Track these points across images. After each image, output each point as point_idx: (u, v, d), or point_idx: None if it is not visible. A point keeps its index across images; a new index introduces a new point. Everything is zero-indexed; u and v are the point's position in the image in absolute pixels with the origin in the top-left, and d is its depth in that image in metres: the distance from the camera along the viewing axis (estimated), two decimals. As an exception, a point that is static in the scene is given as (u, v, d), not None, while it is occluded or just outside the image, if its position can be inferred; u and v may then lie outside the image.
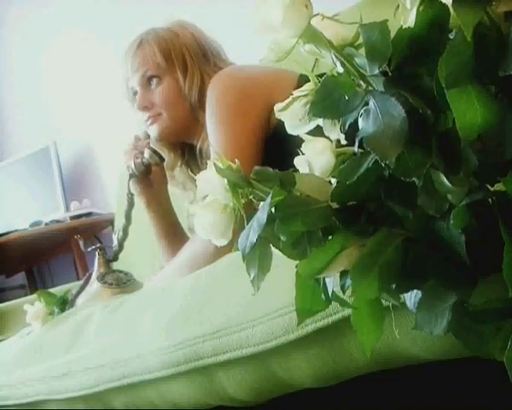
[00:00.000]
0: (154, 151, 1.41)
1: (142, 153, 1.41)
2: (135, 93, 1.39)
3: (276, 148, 1.11)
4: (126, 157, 1.44)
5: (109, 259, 1.47)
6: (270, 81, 1.24)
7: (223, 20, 2.20)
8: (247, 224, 0.48)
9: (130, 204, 1.46)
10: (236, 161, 0.51)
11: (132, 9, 2.80)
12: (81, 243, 1.52)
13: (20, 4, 3.45)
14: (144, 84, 1.36)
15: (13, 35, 3.56)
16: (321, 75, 0.49)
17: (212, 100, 1.23)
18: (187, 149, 1.46)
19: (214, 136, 1.21)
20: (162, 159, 1.42)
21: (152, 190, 1.47)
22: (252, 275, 0.49)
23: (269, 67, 1.28)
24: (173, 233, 1.50)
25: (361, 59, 0.45)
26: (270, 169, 0.49)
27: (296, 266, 0.47)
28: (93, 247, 1.50)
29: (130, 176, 1.43)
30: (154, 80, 1.35)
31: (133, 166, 1.42)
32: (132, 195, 1.45)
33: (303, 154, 0.51)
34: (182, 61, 1.34)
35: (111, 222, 2.56)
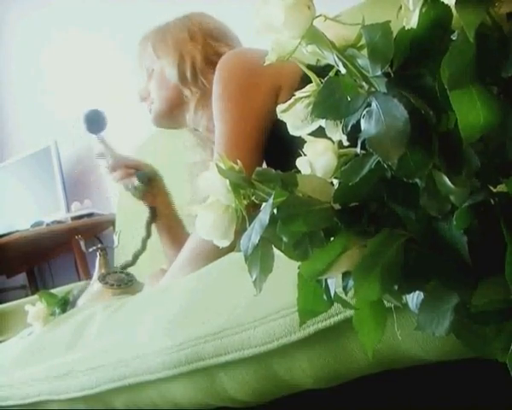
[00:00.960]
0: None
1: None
2: None
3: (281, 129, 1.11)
4: (119, 176, 1.46)
5: (124, 265, 1.46)
6: (278, 64, 1.24)
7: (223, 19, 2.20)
8: (249, 225, 0.48)
9: (153, 216, 1.46)
10: (239, 162, 0.51)
11: (133, 9, 2.79)
12: (82, 243, 1.52)
13: (20, 4, 3.45)
14: (148, 77, 1.43)
15: (13, 35, 3.56)
16: (325, 67, 0.49)
17: (220, 79, 1.23)
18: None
19: (220, 116, 1.21)
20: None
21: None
22: (254, 276, 0.49)
23: None
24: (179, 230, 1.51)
25: (363, 60, 0.45)
26: (273, 170, 0.49)
27: (298, 267, 0.47)
28: (94, 247, 1.50)
29: (143, 182, 1.44)
30: (150, 70, 1.42)
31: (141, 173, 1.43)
32: (154, 208, 1.46)
33: (305, 155, 0.51)
34: (166, 48, 1.38)
35: (112, 223, 2.56)
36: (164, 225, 1.49)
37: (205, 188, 0.52)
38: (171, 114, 1.41)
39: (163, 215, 1.48)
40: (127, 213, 1.96)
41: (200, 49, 1.35)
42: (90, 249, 1.52)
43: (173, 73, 1.36)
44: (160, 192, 1.49)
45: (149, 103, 1.43)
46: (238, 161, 0.52)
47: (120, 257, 1.78)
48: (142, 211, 1.50)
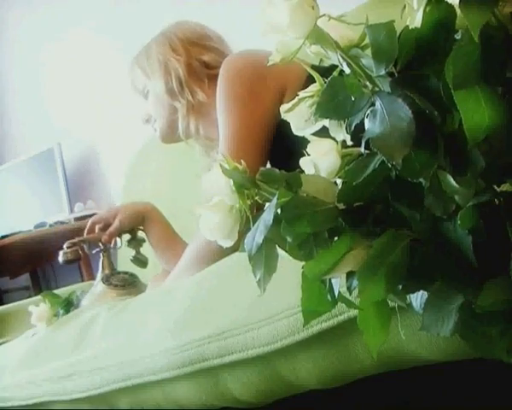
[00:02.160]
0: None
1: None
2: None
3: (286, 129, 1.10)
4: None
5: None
6: (283, 65, 1.23)
7: (227, 19, 2.20)
8: (253, 225, 0.48)
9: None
10: (243, 162, 0.51)
11: (137, 9, 2.80)
12: (85, 245, 1.52)
13: (22, 5, 3.46)
14: (145, 99, 1.44)
15: (16, 36, 3.56)
16: (330, 67, 0.49)
17: (225, 80, 1.22)
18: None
19: (225, 117, 1.21)
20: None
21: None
22: (258, 276, 0.49)
23: None
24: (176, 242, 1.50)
25: (367, 60, 0.45)
26: (277, 170, 0.49)
27: (302, 267, 0.47)
28: (97, 249, 1.50)
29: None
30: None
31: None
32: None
33: (309, 155, 0.51)
34: (153, 66, 1.39)
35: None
36: (161, 248, 1.49)
37: (209, 189, 0.52)
38: (174, 130, 1.41)
39: (160, 240, 1.48)
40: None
41: (183, 60, 1.36)
42: (94, 251, 1.52)
43: (162, 89, 1.37)
44: (151, 227, 1.49)
45: (153, 123, 1.44)
46: (242, 162, 0.52)
47: (124, 258, 1.78)
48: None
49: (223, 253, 0.89)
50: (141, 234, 1.51)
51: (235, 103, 1.20)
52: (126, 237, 1.50)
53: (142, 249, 1.51)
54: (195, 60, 1.36)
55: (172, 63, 1.36)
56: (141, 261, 1.50)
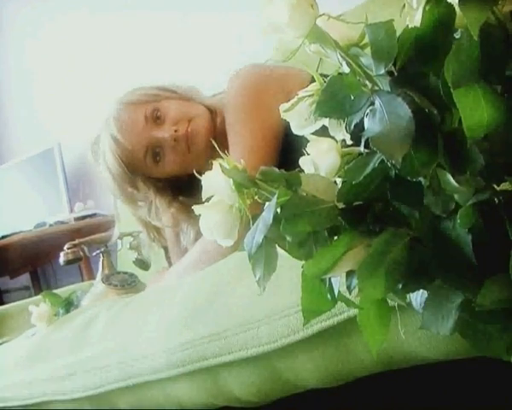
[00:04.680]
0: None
1: None
2: (151, 148, 1.29)
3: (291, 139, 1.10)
4: None
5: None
6: (284, 74, 1.24)
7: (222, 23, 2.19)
8: (253, 224, 0.48)
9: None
10: (242, 161, 0.51)
11: (138, 9, 2.80)
12: (86, 248, 1.53)
13: (19, 4, 3.45)
14: (152, 121, 1.30)
15: (15, 35, 3.56)
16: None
17: (233, 94, 1.23)
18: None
19: (236, 130, 1.21)
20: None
21: None
22: (258, 275, 0.49)
23: (280, 65, 1.28)
24: None
25: (367, 59, 0.45)
26: (276, 169, 0.49)
27: (302, 267, 0.47)
28: (97, 251, 1.51)
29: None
30: (156, 112, 1.30)
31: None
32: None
33: (308, 154, 0.51)
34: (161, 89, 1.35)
35: (115, 223, 2.56)
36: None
37: (208, 188, 0.52)
38: (212, 128, 1.29)
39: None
40: (130, 216, 1.96)
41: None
42: (94, 253, 1.53)
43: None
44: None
45: (186, 124, 1.27)
46: (242, 161, 0.52)
47: (124, 261, 1.79)
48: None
49: (229, 254, 0.89)
50: (142, 235, 1.51)
51: (246, 115, 1.20)
52: (128, 239, 1.50)
53: (144, 251, 1.51)
54: None
55: None
56: (143, 263, 1.50)
